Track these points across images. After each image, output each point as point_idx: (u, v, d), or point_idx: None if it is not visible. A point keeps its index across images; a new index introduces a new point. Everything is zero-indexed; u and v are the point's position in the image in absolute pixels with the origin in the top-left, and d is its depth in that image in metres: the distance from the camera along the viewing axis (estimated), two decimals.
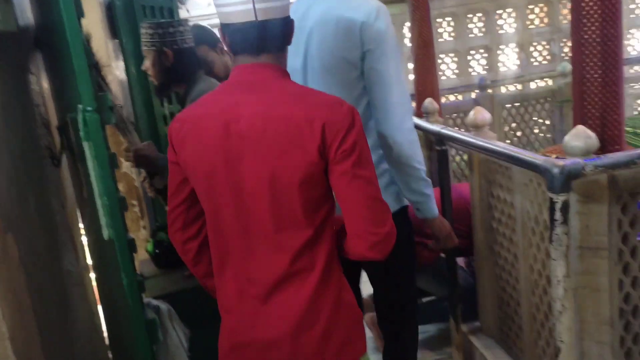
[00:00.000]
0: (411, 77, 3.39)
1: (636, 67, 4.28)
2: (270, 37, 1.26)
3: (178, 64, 2.13)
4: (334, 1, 1.67)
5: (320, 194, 1.26)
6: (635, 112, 4.23)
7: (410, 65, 3.54)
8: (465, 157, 3.06)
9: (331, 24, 1.64)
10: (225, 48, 1.35)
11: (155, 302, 1.95)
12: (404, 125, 1.66)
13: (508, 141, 3.70)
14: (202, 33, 2.47)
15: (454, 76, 4.66)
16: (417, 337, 2.01)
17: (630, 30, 5.09)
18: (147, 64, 2.16)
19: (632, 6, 5.13)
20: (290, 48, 1.35)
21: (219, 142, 1.24)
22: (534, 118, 3.78)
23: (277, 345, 1.29)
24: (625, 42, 5.02)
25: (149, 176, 2.38)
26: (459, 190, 2.54)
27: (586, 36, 1.83)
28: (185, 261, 1.45)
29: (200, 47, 2.39)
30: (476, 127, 2.21)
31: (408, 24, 3.46)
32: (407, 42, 4.25)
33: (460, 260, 2.75)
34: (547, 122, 3.80)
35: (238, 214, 1.27)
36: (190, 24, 2.32)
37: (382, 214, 1.27)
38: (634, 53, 4.98)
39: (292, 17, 1.31)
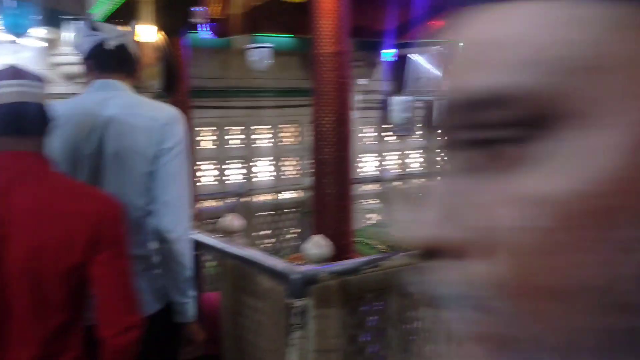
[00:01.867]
0: None
1: (364, 187, 4.95)
2: (30, 120, 1.31)
3: None
4: (135, 99, 1.76)
5: (83, 283, 1.32)
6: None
7: None
8: None
9: (132, 119, 1.69)
10: None
11: None
12: (185, 223, 1.74)
13: (263, 246, 3.86)
14: None
15: (213, 183, 4.79)
16: None
17: (364, 155, 5.96)
18: None
19: (365, 135, 6.06)
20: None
21: None
22: (286, 226, 4.05)
23: None
24: (357, 165, 5.85)
25: None
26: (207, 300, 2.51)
27: (324, 156, 2.08)
28: None
29: None
30: (228, 233, 2.27)
31: None
32: None
33: None
34: (298, 230, 4.10)
35: None
36: None
37: (134, 303, 1.36)
38: (362, 174, 5.81)
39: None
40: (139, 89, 1.98)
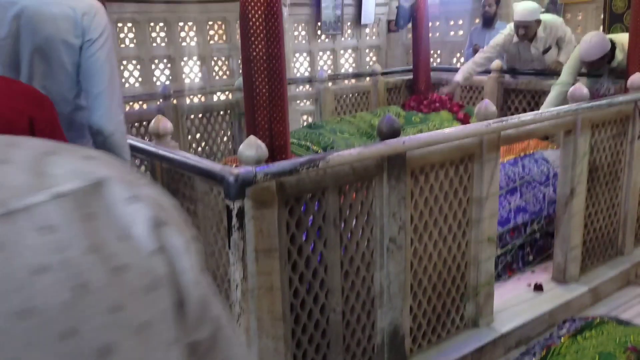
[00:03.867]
0: None
1: (301, 87, 4.86)
2: None
3: None
4: None
5: None
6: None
7: None
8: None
9: (49, 8, 1.62)
10: None
11: None
12: (118, 116, 1.70)
13: (192, 151, 3.77)
14: None
15: (137, 84, 4.53)
16: None
17: (296, 54, 5.79)
18: None
19: (296, 33, 5.85)
20: None
21: None
22: (216, 129, 3.94)
23: None
24: (292, 65, 5.69)
25: None
26: None
27: (254, 54, 1.97)
28: None
29: None
30: (158, 137, 2.17)
31: None
32: None
33: None
34: (229, 133, 4.01)
35: None
36: None
37: None
38: (298, 74, 5.69)
39: None
40: None
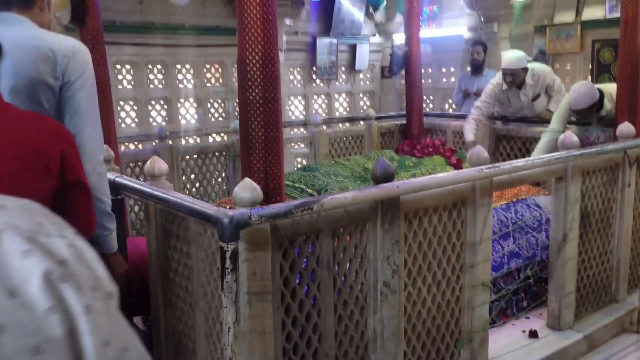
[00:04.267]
0: None
1: (295, 130, 4.92)
2: None
3: None
4: (33, 31, 1.67)
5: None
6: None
7: None
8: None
9: (30, 50, 1.63)
10: None
11: None
12: (95, 157, 1.71)
13: (186, 192, 3.77)
14: None
15: (134, 125, 4.57)
16: None
17: (291, 97, 5.88)
18: None
19: (292, 77, 5.95)
20: None
21: None
22: (210, 170, 3.96)
23: None
24: (287, 108, 5.78)
25: None
26: (135, 245, 2.44)
27: (251, 98, 2.01)
28: None
29: None
30: (153, 177, 2.18)
31: None
32: None
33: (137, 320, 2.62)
34: (223, 174, 4.03)
35: None
36: None
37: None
38: (293, 117, 5.76)
39: None
40: (45, 23, 1.85)
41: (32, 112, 1.52)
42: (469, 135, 4.26)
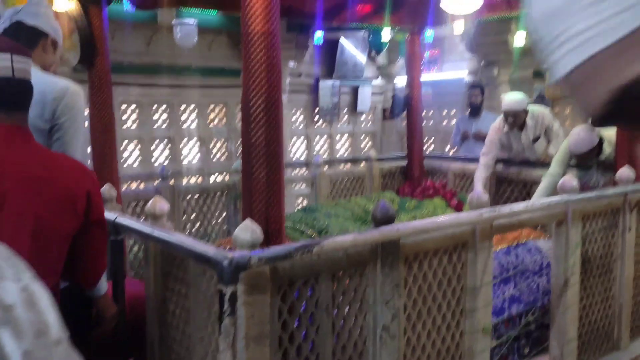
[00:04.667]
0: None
1: (297, 170, 4.95)
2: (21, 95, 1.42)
3: None
4: None
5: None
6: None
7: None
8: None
9: None
10: None
11: None
12: None
13: (187, 231, 3.77)
14: None
15: (137, 164, 4.61)
16: None
17: (293, 138, 5.94)
18: None
19: (294, 118, 6.03)
20: None
21: None
22: (211, 210, 3.97)
23: None
24: (289, 149, 5.83)
25: None
26: (136, 288, 2.42)
27: (254, 139, 2.03)
28: None
29: None
30: (154, 217, 2.18)
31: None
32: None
33: None
34: (224, 214, 4.03)
35: None
36: None
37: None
38: (295, 158, 5.80)
39: None
40: (47, 64, 1.90)
41: (57, 152, 1.57)
42: (479, 186, 4.19)
